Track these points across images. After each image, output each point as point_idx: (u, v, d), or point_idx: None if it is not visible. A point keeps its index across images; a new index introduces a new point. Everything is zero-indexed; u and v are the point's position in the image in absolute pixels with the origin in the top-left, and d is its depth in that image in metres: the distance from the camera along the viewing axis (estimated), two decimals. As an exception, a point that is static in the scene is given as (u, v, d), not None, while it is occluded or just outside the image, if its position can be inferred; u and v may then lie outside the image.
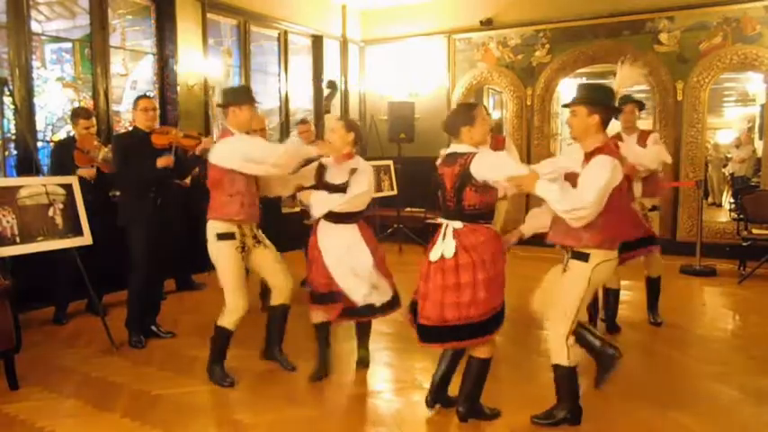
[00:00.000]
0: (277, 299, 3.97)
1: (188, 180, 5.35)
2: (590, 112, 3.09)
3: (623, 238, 3.18)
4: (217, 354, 3.84)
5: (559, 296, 3.18)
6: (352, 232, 3.74)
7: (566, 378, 3.17)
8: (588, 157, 3.07)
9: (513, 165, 3.18)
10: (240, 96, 3.79)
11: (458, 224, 3.13)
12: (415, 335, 3.22)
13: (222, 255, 3.69)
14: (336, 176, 3.74)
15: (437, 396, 3.38)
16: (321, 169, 3.80)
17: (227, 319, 3.77)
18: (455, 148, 3.20)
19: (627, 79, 3.35)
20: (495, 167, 3.11)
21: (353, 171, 3.70)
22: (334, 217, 3.72)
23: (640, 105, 5.17)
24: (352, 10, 9.70)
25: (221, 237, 3.68)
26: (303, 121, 6.32)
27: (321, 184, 3.77)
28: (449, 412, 3.41)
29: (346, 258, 3.67)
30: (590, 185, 2.94)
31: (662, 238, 7.58)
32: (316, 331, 3.92)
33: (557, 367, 3.18)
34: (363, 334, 4.10)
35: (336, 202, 3.66)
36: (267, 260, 3.90)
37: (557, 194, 2.96)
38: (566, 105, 3.30)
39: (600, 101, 3.12)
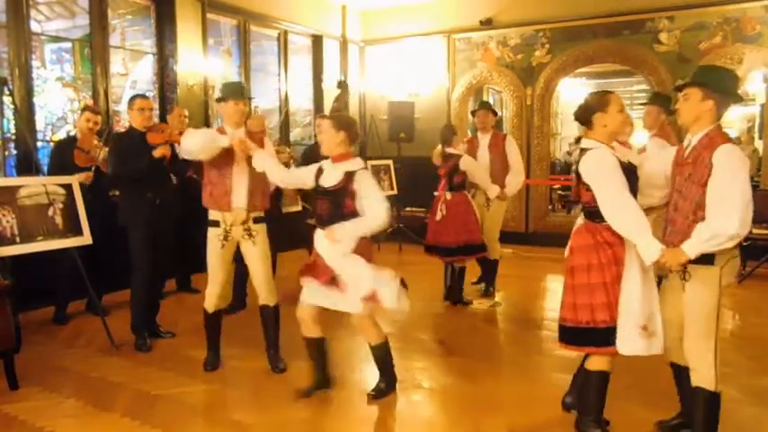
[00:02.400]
0: (260, 299, 4.02)
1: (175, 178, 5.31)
2: (705, 96, 2.70)
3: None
4: (207, 339, 4.08)
5: (694, 311, 2.74)
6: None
7: (708, 404, 2.73)
8: (705, 150, 2.66)
9: (612, 187, 2.76)
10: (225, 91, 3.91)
11: (580, 220, 3.00)
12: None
13: (208, 240, 3.89)
14: (329, 179, 3.41)
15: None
16: (319, 172, 3.50)
17: (205, 302, 3.99)
18: (584, 143, 2.95)
19: (755, 64, 3.08)
20: (596, 182, 2.81)
21: (349, 175, 3.34)
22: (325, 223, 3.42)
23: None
24: (352, 10, 9.69)
25: (209, 223, 3.90)
26: (323, 116, 6.18)
27: (316, 188, 3.52)
28: (450, 412, 3.41)
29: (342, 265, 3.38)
30: (732, 196, 2.55)
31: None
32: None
33: (699, 390, 2.74)
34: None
35: (360, 231, 3.34)
36: (250, 257, 3.93)
37: (706, 241, 2.59)
38: (677, 88, 2.92)
39: (720, 85, 2.71)
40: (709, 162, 2.64)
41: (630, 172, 2.88)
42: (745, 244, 6.59)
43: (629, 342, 2.80)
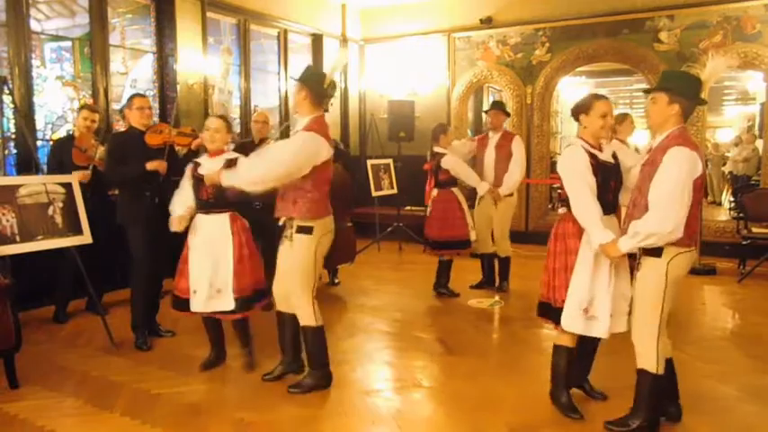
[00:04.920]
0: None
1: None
2: (671, 100, 2.90)
3: (697, 232, 2.95)
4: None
5: (639, 297, 3.00)
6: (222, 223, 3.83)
7: (649, 385, 2.97)
8: (660, 151, 2.86)
9: (574, 183, 3.14)
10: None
11: (561, 210, 3.42)
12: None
13: None
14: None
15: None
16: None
17: None
18: (571, 140, 3.35)
19: (718, 70, 3.22)
20: (563, 177, 3.20)
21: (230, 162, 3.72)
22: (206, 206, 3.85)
23: None
24: (352, 9, 9.69)
25: None
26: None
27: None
28: (449, 411, 3.42)
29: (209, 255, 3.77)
30: (667, 198, 2.76)
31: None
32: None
33: (641, 372, 2.99)
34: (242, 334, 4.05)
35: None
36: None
37: (642, 236, 2.84)
38: (646, 91, 3.20)
39: (684, 90, 2.92)
40: (660, 162, 2.85)
41: (607, 169, 3.18)
42: (744, 243, 6.72)
43: (570, 320, 3.15)
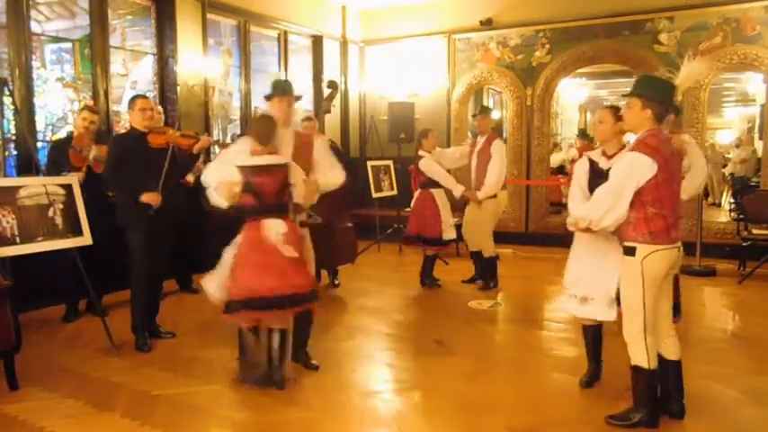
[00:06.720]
0: None
1: (191, 178, 5.34)
2: (644, 105, 3.03)
3: (672, 230, 3.01)
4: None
5: (622, 297, 3.16)
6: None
7: (644, 381, 3.09)
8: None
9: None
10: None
11: None
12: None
13: None
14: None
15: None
16: None
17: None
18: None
19: (692, 75, 3.28)
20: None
21: None
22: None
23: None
24: (352, 10, 9.70)
25: None
26: (308, 118, 6.35)
27: None
28: (449, 412, 3.42)
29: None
30: (604, 192, 3.05)
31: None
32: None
33: (635, 369, 3.11)
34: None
35: None
36: None
37: (574, 218, 3.21)
38: (624, 95, 3.31)
39: (656, 95, 3.03)
40: None
41: (597, 173, 3.44)
42: (744, 244, 6.72)
43: (567, 303, 3.60)
